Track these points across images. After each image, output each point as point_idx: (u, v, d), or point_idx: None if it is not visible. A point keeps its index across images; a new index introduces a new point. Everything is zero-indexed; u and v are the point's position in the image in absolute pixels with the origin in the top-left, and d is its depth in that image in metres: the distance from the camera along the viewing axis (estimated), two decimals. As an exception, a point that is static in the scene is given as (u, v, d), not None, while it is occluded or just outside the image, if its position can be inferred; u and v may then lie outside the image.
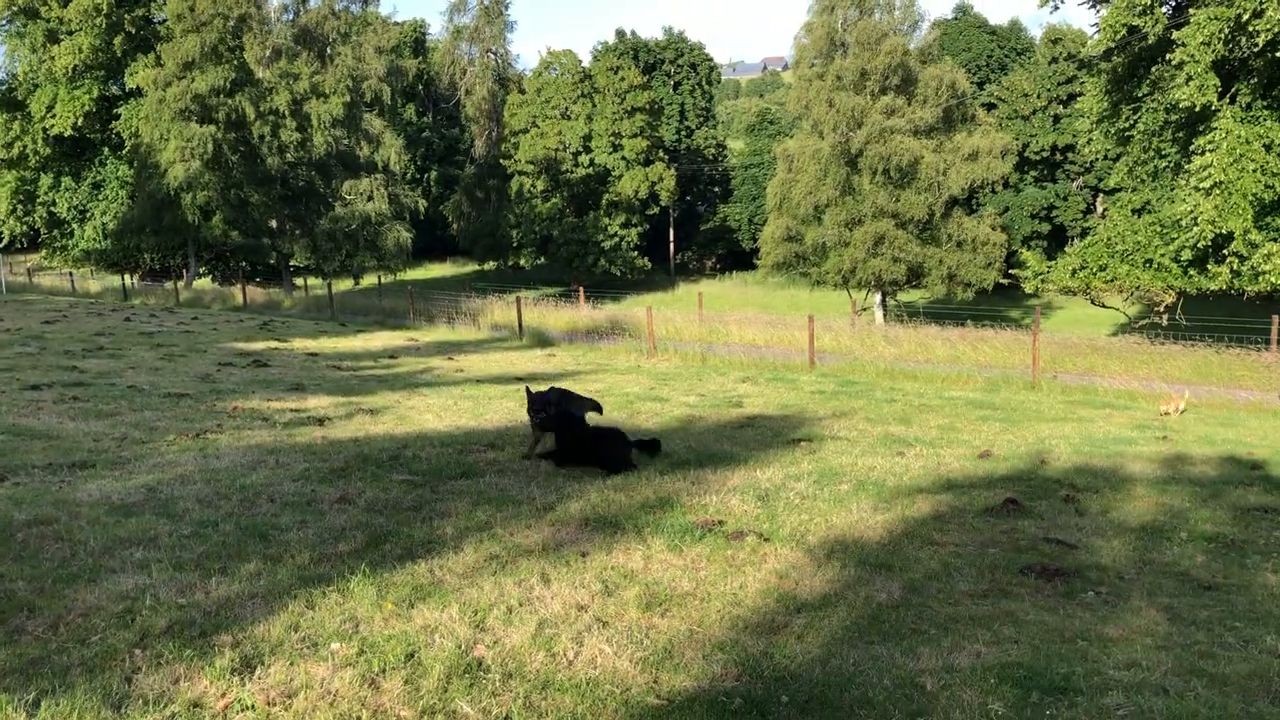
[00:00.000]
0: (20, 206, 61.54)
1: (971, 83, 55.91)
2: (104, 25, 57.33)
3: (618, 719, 3.97)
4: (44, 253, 64.57)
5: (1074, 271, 38.12)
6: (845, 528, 7.06)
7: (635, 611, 5.23)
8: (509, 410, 12.69)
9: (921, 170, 47.20)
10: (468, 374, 17.72)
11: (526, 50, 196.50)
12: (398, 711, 4.02)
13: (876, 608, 5.46)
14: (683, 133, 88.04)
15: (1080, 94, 56.42)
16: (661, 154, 76.16)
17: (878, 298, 50.21)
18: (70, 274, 54.73)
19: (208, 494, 7.59)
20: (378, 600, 5.28)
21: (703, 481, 8.38)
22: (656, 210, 76.02)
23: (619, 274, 71.71)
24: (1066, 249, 52.01)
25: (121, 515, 6.92)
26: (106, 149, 61.83)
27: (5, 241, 61.82)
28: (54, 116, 58.69)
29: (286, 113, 52.20)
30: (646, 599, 5.40)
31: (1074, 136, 67.51)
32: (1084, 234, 64.61)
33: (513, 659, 4.58)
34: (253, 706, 4.03)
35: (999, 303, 46.47)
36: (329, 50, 54.52)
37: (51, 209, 61.79)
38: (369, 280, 59.59)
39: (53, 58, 57.79)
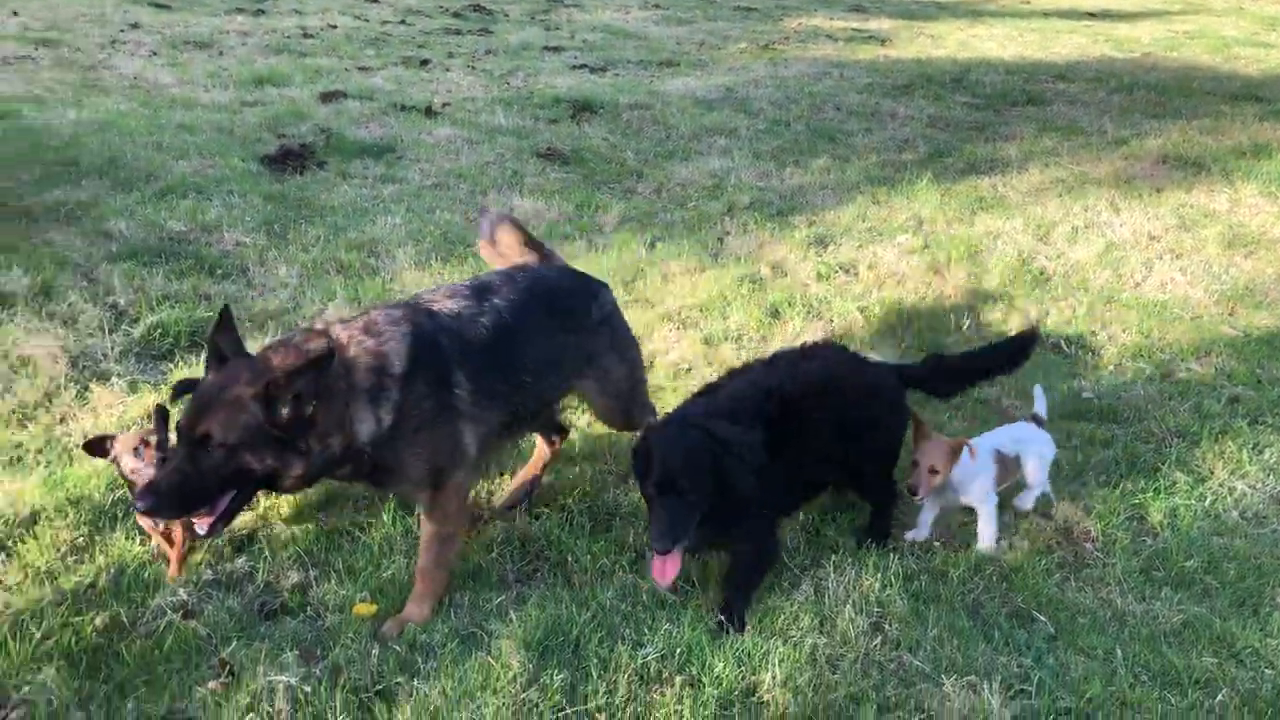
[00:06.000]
0: None
1: None
2: None
3: (1185, 339, 3.87)
4: None
5: None
6: None
7: (1214, 248, 4.88)
8: (1079, 45, 11.70)
9: None
10: (1034, 6, 16.36)
11: None
12: (954, 298, 4.23)
13: None
14: None
15: None
16: None
17: None
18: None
19: (778, 98, 8.03)
20: (940, 205, 5.42)
21: (1313, 133, 7.29)
22: None
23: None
24: None
25: (704, 109, 7.58)
26: None
27: None
28: None
29: None
30: (1229, 238, 5.00)
31: None
32: None
33: (1076, 272, 4.56)
34: (828, 277, 4.45)
35: None
36: None
37: None
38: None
39: None
